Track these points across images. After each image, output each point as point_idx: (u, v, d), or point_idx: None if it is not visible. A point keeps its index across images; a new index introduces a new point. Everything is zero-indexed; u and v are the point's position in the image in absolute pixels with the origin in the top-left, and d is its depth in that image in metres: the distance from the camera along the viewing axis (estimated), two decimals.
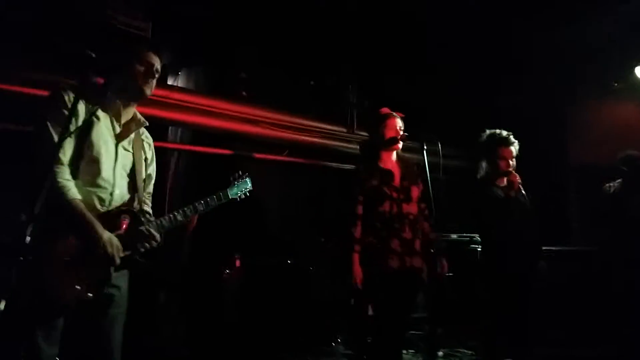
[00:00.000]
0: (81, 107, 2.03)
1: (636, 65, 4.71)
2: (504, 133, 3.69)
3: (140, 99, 2.22)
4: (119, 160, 2.15)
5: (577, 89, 5.66)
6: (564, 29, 4.72)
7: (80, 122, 2.01)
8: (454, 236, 5.11)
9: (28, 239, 1.66)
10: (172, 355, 3.56)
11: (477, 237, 5.02)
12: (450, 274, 4.79)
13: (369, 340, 3.19)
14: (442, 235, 4.57)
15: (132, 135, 2.22)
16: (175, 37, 4.43)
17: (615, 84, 5.21)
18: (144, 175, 2.27)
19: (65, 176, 1.98)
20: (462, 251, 4.99)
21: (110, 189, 2.10)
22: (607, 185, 4.48)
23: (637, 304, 3.94)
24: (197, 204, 2.32)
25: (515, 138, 3.74)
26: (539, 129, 4.19)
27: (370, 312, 3.49)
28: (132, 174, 2.19)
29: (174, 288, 3.68)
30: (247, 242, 4.22)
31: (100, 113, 2.08)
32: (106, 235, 2.02)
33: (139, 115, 2.25)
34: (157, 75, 2.22)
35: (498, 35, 4.95)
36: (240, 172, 2.59)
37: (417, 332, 4.51)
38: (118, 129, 2.16)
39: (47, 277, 1.90)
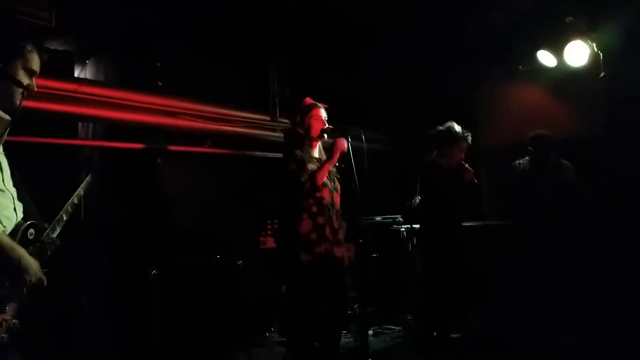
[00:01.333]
0: None
1: (538, 49, 5.01)
2: (460, 128, 4.09)
3: (8, 109, 1.97)
4: (4, 170, 1.97)
5: (486, 73, 5.96)
6: (471, 14, 4.92)
7: None
8: (378, 218, 5.27)
9: None
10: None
11: (400, 218, 5.24)
12: (375, 255, 5.02)
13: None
14: (366, 217, 4.70)
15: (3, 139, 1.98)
16: (83, 22, 4.10)
17: (520, 68, 5.52)
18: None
19: None
20: (386, 232, 5.18)
21: (10, 204, 1.94)
22: (516, 162, 4.80)
23: (545, 276, 4.29)
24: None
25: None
26: (450, 111, 4.41)
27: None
28: (14, 180, 2.02)
29: (97, 292, 3.51)
30: (172, 238, 4.09)
31: None
32: (31, 260, 1.89)
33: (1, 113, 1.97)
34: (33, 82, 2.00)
35: (411, 20, 5.06)
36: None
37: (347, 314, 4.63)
38: None
39: None
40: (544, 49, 5.00)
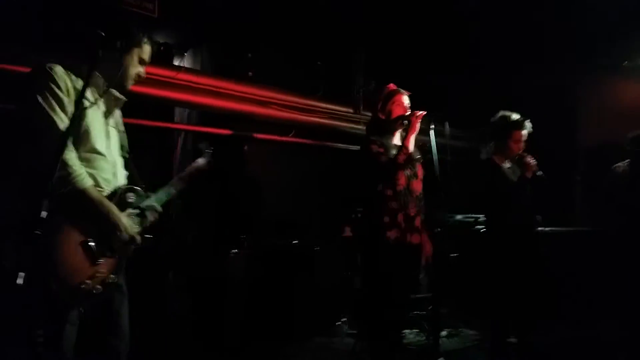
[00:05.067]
0: (70, 85, 1.96)
1: None
2: (517, 116, 3.70)
3: (120, 90, 2.17)
4: (111, 140, 2.15)
5: (586, 69, 5.60)
6: (572, 12, 4.66)
7: (72, 102, 1.94)
8: (459, 217, 5.12)
9: (44, 214, 1.59)
10: (179, 334, 3.62)
11: (482, 218, 5.05)
12: (455, 254, 4.88)
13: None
14: (448, 215, 4.59)
15: (115, 113, 2.21)
16: (182, 17, 4.41)
17: (625, 63, 5.13)
18: (128, 151, 2.27)
19: (75, 162, 1.93)
20: (467, 232, 5.01)
21: (111, 169, 2.10)
22: (616, 165, 4.47)
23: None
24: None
25: (525, 119, 3.76)
26: (548, 109, 4.16)
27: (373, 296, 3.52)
28: (122, 151, 2.21)
29: (180, 267, 3.73)
30: (253, 222, 4.26)
31: (88, 93, 2.02)
32: (124, 218, 2.04)
33: (116, 93, 2.18)
34: (143, 70, 2.21)
35: (509, 17, 4.89)
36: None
37: (420, 312, 4.56)
38: (104, 108, 2.13)
39: (64, 261, 1.87)
40: None
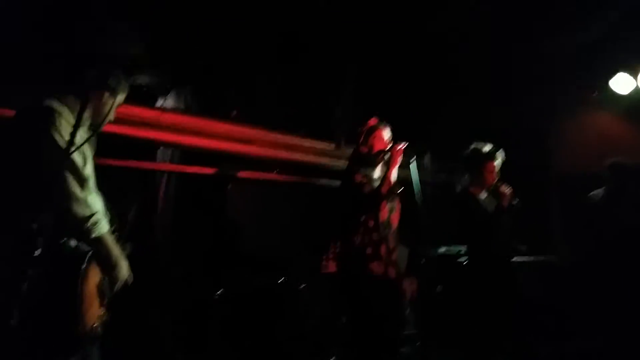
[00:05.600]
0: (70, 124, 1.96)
1: (612, 76, 4.85)
2: (488, 147, 3.82)
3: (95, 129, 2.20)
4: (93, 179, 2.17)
5: (557, 100, 5.81)
6: (542, 42, 4.87)
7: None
8: (443, 249, 5.16)
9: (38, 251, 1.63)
10: None
11: (464, 249, 5.10)
12: (439, 288, 4.89)
13: None
14: (430, 248, 4.63)
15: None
16: (165, 58, 4.48)
17: (594, 94, 5.35)
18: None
19: (97, 206, 1.95)
20: (450, 264, 5.04)
21: (101, 203, 2.11)
22: (593, 193, 4.59)
23: (624, 310, 4.01)
24: None
25: (498, 150, 3.87)
26: (521, 140, 4.27)
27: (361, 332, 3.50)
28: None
29: (164, 308, 3.68)
30: (237, 261, 4.24)
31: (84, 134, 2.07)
32: (124, 261, 2.09)
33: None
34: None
35: (480, 50, 5.08)
36: None
37: (408, 349, 4.52)
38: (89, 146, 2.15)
39: (85, 307, 1.89)
40: (618, 74, 4.83)
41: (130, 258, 2.21)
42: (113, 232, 2.12)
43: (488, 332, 3.71)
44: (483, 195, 3.81)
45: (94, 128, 2.18)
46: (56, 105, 1.97)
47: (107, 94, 2.17)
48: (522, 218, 3.82)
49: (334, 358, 4.39)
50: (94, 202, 1.95)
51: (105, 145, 2.37)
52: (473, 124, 5.97)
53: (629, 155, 4.52)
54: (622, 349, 3.96)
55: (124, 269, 2.07)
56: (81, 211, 1.85)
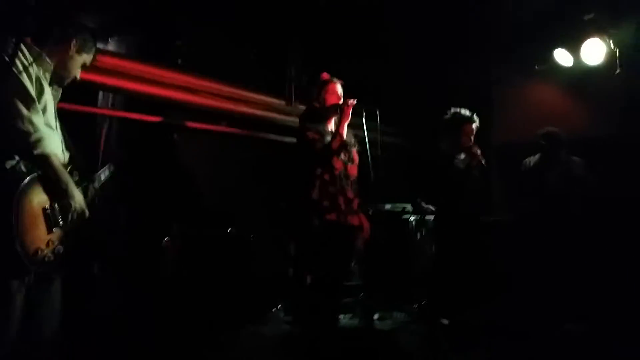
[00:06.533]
0: (29, 62, 2.03)
1: (555, 48, 5.03)
2: (467, 112, 4.04)
3: (58, 85, 2.26)
4: (57, 121, 2.24)
5: (502, 71, 6.00)
6: (487, 9, 4.96)
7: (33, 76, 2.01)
8: (388, 206, 5.29)
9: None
10: (107, 330, 3.46)
11: (409, 207, 5.27)
12: (383, 243, 5.04)
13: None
14: (377, 204, 4.74)
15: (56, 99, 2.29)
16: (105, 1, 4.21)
17: (536, 67, 5.55)
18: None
19: (41, 126, 1.97)
20: (395, 221, 5.19)
21: (60, 145, 2.16)
22: (527, 159, 4.83)
23: (552, 272, 4.29)
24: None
25: (473, 113, 4.04)
26: (466, 107, 4.39)
27: (308, 280, 3.60)
28: (64, 133, 2.28)
29: (109, 257, 3.57)
30: (185, 211, 4.15)
31: (41, 73, 2.11)
32: (77, 191, 2.10)
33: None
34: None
35: (431, 13, 5.10)
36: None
37: (353, 299, 4.65)
38: (52, 91, 2.21)
39: (25, 228, 1.88)
40: (560, 47, 5.02)
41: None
42: (73, 168, 2.17)
43: (441, 283, 3.91)
44: (462, 156, 3.99)
45: (57, 79, 2.23)
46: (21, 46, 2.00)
47: (72, 50, 2.21)
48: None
49: (280, 306, 4.46)
50: (38, 122, 1.96)
51: None
52: (420, 89, 6.10)
53: (567, 126, 4.75)
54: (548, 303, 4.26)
55: (77, 198, 2.07)
56: (24, 127, 1.88)
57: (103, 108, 4.17)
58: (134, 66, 4.17)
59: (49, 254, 1.96)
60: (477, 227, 4.17)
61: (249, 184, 4.73)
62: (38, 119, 1.95)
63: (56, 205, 2.02)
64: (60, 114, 2.30)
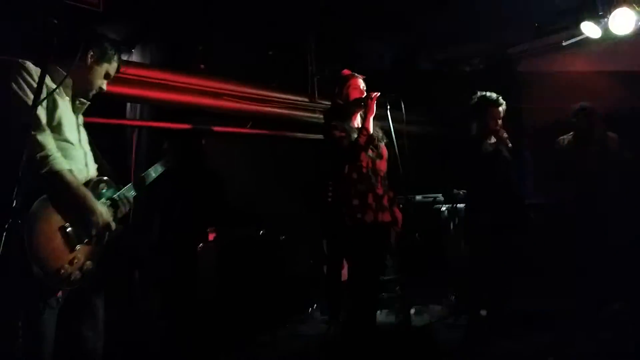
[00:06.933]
0: (43, 79, 1.94)
1: (582, 21, 4.85)
2: (494, 95, 3.98)
3: (84, 97, 2.22)
4: (81, 134, 2.21)
5: (528, 47, 5.84)
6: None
7: (45, 94, 1.96)
8: (419, 197, 5.24)
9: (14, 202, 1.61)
10: (149, 333, 3.54)
11: (440, 197, 5.20)
12: (417, 234, 5.00)
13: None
14: (407, 196, 4.69)
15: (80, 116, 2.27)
16: (128, 11, 4.27)
17: (563, 43, 5.37)
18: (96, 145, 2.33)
19: (52, 144, 1.94)
20: (427, 212, 5.14)
21: (83, 159, 2.14)
22: (560, 138, 4.69)
23: (594, 254, 4.17)
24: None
25: (499, 96, 3.97)
26: (492, 88, 4.29)
27: (344, 277, 3.58)
28: (92, 146, 2.26)
29: (146, 264, 3.64)
30: (217, 215, 4.21)
31: (59, 89, 2.07)
32: (99, 205, 2.05)
33: (81, 99, 2.26)
34: (105, 84, 2.29)
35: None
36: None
37: (389, 294, 4.64)
38: (72, 106, 2.18)
39: (44, 245, 1.86)
40: (587, 19, 4.83)
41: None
42: (99, 182, 2.13)
43: (480, 274, 3.85)
44: (492, 139, 3.93)
45: (81, 93, 2.20)
46: (21, 60, 1.99)
47: (90, 61, 2.17)
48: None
49: (315, 306, 4.48)
50: (45, 140, 1.92)
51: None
52: (442, 79, 6.00)
53: (597, 101, 4.59)
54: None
55: (98, 212, 2.02)
56: (31, 149, 1.83)
57: (131, 119, 4.26)
58: (158, 74, 4.21)
59: (76, 272, 1.94)
60: (511, 209, 4.02)
61: (276, 184, 4.76)
62: (45, 138, 1.91)
63: (78, 221, 1.98)
64: (88, 127, 2.28)
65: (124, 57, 4.68)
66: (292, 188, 4.81)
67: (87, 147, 2.22)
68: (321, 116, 4.02)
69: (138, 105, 4.34)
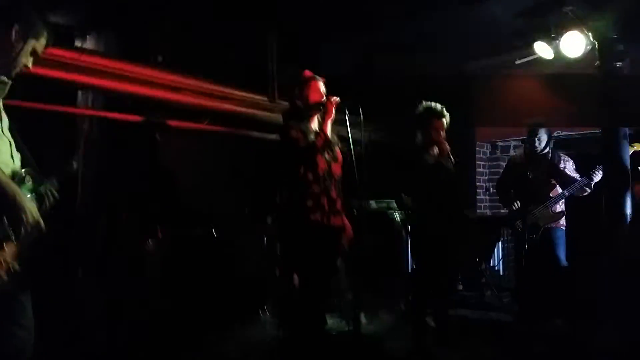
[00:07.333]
0: None
1: (535, 41, 5.05)
2: (438, 106, 3.98)
3: (5, 76, 1.98)
4: (3, 122, 1.99)
5: (481, 65, 6.03)
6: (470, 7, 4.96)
7: None
8: (373, 202, 5.29)
9: None
10: (93, 334, 3.41)
11: (394, 204, 5.27)
12: (370, 239, 5.04)
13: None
14: (363, 202, 4.71)
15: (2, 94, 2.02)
16: None
17: (516, 61, 5.58)
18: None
19: None
20: (380, 217, 5.20)
21: (8, 151, 1.96)
22: (512, 155, 4.86)
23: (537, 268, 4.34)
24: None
25: (443, 107, 4.01)
26: (444, 103, 4.37)
27: (296, 282, 3.56)
28: (13, 133, 2.04)
29: (92, 260, 3.51)
30: (167, 213, 4.09)
31: None
32: (29, 202, 1.89)
33: (3, 78, 2.00)
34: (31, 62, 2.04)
35: (410, 8, 5.09)
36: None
37: (340, 298, 4.65)
38: None
39: None
40: (540, 40, 5.04)
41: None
42: (25, 174, 1.96)
43: (424, 282, 3.89)
44: (433, 151, 3.93)
45: (3, 71, 1.96)
46: None
47: (15, 36, 1.93)
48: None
49: (265, 307, 4.44)
50: None
51: (23, 87, 2.17)
52: (401, 84, 6.08)
53: (548, 121, 4.77)
54: None
55: (28, 209, 1.87)
56: None
57: (82, 108, 4.10)
58: (114, 64, 4.09)
59: (2, 273, 1.79)
60: (448, 222, 4.08)
61: (232, 183, 4.69)
62: None
63: (5, 219, 1.83)
64: (10, 112, 2.03)
65: (78, 44, 4.54)
66: (247, 188, 4.76)
67: (9, 135, 2.00)
68: (280, 116, 4.00)
69: (90, 96, 4.18)
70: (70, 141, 3.91)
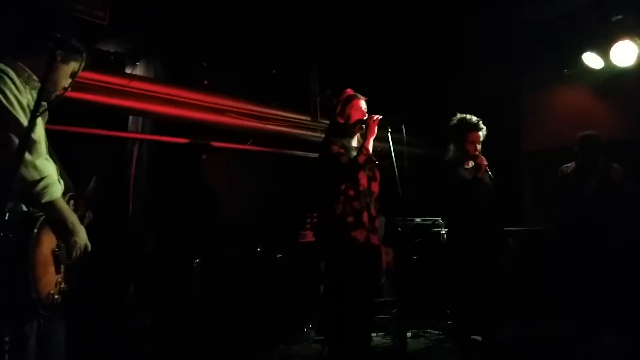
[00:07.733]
0: (26, 91, 1.87)
1: (584, 52, 4.91)
2: (474, 118, 3.84)
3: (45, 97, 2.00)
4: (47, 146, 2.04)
5: (530, 76, 5.89)
6: (514, 14, 4.88)
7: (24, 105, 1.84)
8: (418, 220, 5.21)
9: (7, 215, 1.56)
10: (139, 348, 3.49)
11: (440, 220, 5.17)
12: (415, 257, 4.97)
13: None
14: (406, 218, 4.65)
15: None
16: (133, 25, 4.30)
17: (565, 71, 5.43)
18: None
19: (49, 170, 1.84)
20: (426, 234, 5.11)
21: (56, 174, 1.98)
22: (564, 166, 4.67)
23: (589, 282, 4.13)
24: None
25: (479, 121, 3.89)
26: (494, 115, 4.22)
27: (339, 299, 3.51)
28: (52, 156, 2.08)
29: (141, 278, 3.61)
30: (213, 232, 4.18)
31: (31, 97, 1.92)
32: (81, 226, 1.98)
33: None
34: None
35: (453, 23, 5.06)
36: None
37: (385, 316, 4.59)
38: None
39: (39, 272, 1.79)
40: (589, 50, 4.89)
41: (97, 227, 2.14)
42: (69, 199, 2.03)
43: (464, 300, 3.76)
44: (469, 165, 3.82)
45: (45, 95, 1.96)
46: (3, 66, 1.86)
47: (58, 60, 1.98)
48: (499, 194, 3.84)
49: (310, 326, 4.43)
50: (44, 166, 1.82)
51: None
52: (443, 100, 6.01)
53: (599, 130, 4.59)
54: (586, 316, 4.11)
55: (81, 235, 1.97)
56: (29, 175, 1.75)
57: (133, 132, 4.27)
58: (162, 89, 4.23)
59: (57, 296, 1.87)
60: (487, 239, 3.91)
61: (276, 202, 4.74)
62: (42, 161, 1.82)
63: (62, 244, 1.93)
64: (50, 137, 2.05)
65: (129, 70, 4.75)
66: (292, 205, 4.80)
67: (54, 159, 2.05)
68: (322, 135, 4.02)
69: (140, 119, 4.35)
70: (122, 165, 4.05)
